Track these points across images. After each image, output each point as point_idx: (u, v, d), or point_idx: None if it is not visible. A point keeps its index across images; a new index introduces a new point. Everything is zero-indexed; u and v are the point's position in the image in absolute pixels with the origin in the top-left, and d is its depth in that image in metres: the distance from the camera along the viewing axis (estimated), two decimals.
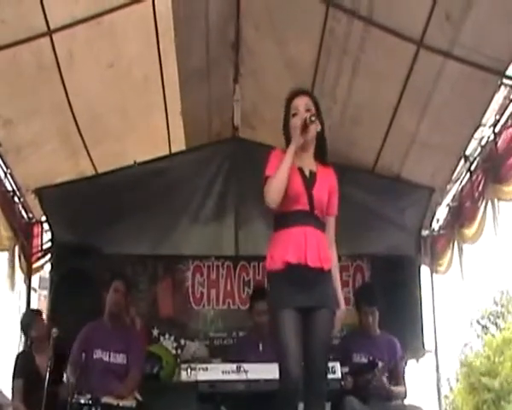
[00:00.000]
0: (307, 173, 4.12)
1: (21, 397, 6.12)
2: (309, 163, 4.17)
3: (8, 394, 6.60)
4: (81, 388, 5.47)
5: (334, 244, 4.23)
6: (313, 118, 4.10)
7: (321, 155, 4.25)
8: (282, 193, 3.96)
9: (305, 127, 4.06)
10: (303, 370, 3.87)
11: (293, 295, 3.90)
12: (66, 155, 7.01)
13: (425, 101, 6.14)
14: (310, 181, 4.09)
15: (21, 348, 6.79)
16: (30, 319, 6.52)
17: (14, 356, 6.45)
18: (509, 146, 5.83)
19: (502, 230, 6.01)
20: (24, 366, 6.24)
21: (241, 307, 7.79)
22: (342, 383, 5.53)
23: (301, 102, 4.21)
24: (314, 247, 3.98)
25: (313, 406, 3.95)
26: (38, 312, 6.79)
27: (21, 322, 6.59)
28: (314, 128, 4.13)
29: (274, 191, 3.96)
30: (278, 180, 3.95)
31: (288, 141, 4.18)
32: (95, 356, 5.96)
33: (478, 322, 23.65)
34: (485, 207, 6.19)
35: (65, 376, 6.04)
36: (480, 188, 6.34)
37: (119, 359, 6.02)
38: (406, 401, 6.12)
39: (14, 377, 6.25)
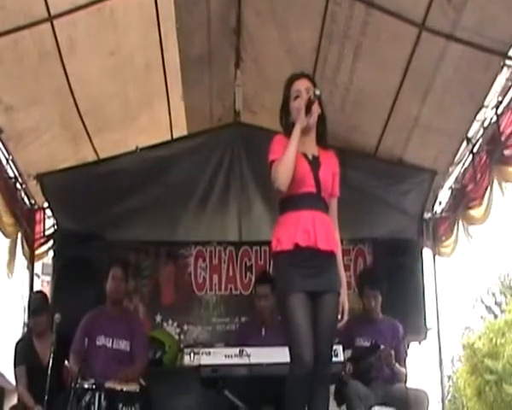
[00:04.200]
0: (310, 158, 4.10)
1: (25, 383, 6.15)
2: (311, 148, 4.16)
3: (12, 380, 6.64)
4: (84, 373, 5.50)
5: (337, 226, 4.22)
6: (318, 92, 4.07)
7: (322, 140, 4.24)
8: (291, 174, 3.93)
9: (309, 107, 4.03)
10: None
11: (303, 279, 3.89)
12: (68, 141, 7.01)
13: (427, 84, 6.13)
14: (315, 164, 4.08)
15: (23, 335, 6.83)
16: (36, 300, 6.55)
17: (14, 344, 6.48)
18: None
19: (505, 210, 6.02)
20: (25, 353, 6.27)
21: (243, 293, 7.82)
22: (346, 368, 5.56)
23: (302, 85, 4.18)
24: (323, 230, 3.99)
25: (318, 390, 3.95)
26: (43, 294, 6.82)
27: (28, 304, 6.64)
28: (316, 110, 4.11)
29: (283, 173, 3.92)
30: (286, 161, 3.92)
31: (285, 127, 4.17)
32: (98, 343, 6.00)
33: (482, 301, 23.71)
34: (492, 188, 6.18)
35: (66, 363, 6.06)
36: (483, 170, 6.33)
37: (123, 345, 6.06)
38: (408, 384, 6.15)
39: (15, 365, 6.28)
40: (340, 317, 4.07)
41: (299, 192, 4.02)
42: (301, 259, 3.92)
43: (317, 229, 3.97)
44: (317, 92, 4.09)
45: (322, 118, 4.21)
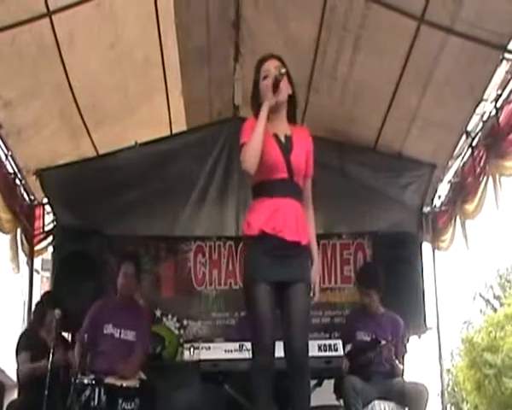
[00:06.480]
0: (282, 139, 4.03)
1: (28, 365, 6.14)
2: (283, 128, 4.09)
3: (12, 375, 6.64)
4: (85, 367, 5.52)
5: (311, 204, 4.16)
6: (283, 70, 3.97)
7: (293, 117, 4.18)
8: (259, 156, 3.86)
9: (276, 85, 3.94)
10: (285, 346, 3.83)
11: (269, 268, 3.84)
12: (67, 136, 6.99)
13: (426, 77, 6.12)
14: (286, 147, 4.01)
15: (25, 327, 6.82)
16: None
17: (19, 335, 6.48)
18: (511, 121, 5.81)
19: (504, 205, 6.01)
20: (29, 340, 6.27)
21: None
22: (343, 364, 5.56)
23: (272, 65, 4.10)
24: (292, 220, 3.92)
25: (296, 381, 3.86)
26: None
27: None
28: (286, 88, 4.05)
29: (250, 156, 3.85)
30: (253, 143, 3.85)
31: (256, 109, 4.05)
32: (105, 331, 6.03)
33: (481, 295, 23.69)
34: (486, 182, 6.18)
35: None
36: (482, 164, 6.33)
37: (130, 336, 6.09)
38: (406, 378, 6.14)
39: (18, 352, 6.25)
40: (311, 294, 3.98)
41: (271, 178, 3.95)
42: (267, 246, 3.86)
43: (287, 218, 3.91)
44: (283, 70, 3.99)
45: (292, 96, 4.14)
